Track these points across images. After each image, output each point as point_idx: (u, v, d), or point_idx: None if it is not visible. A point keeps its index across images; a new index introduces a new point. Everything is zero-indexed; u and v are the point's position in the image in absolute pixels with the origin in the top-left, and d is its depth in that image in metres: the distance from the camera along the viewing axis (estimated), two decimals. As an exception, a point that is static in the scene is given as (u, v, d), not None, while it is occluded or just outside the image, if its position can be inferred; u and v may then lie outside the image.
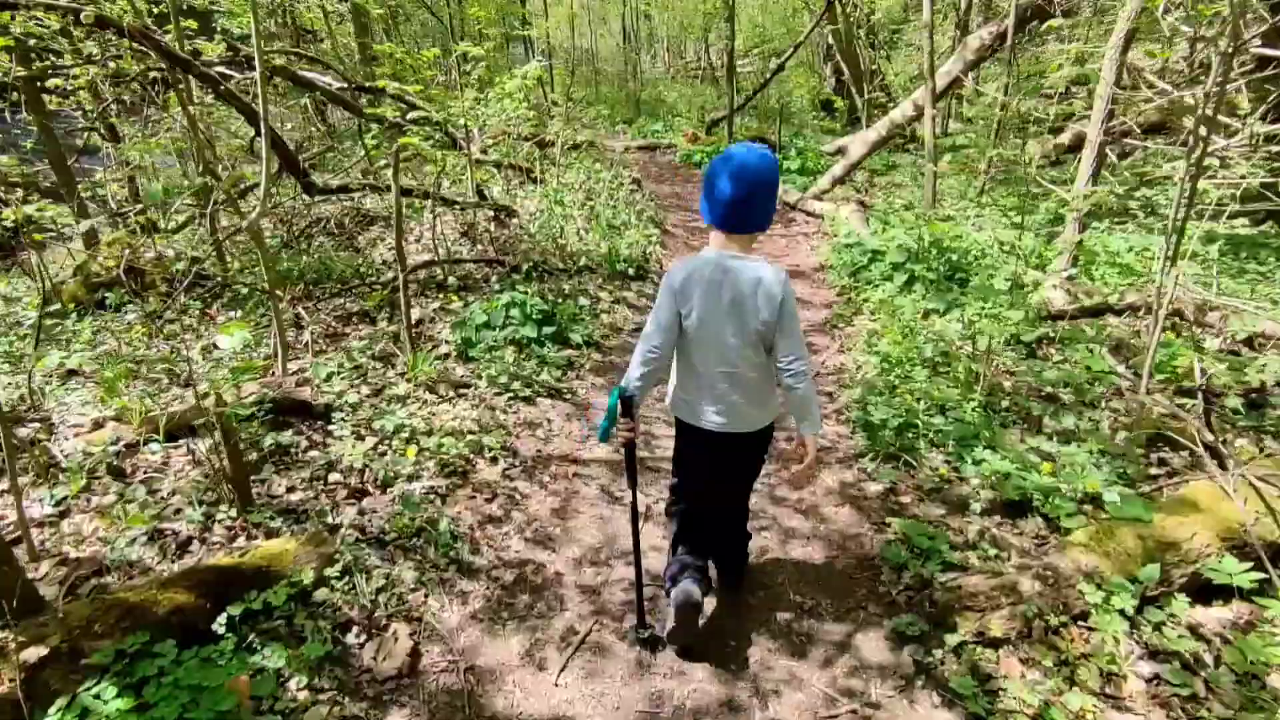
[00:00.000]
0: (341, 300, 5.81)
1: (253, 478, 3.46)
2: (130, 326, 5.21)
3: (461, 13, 16.58)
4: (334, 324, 5.39)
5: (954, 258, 6.51)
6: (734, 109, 14.78)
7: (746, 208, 2.30)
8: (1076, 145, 13.70)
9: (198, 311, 5.55)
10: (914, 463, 3.92)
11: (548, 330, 5.16)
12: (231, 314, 5.64)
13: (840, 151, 10.69)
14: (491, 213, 7.86)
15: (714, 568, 2.99)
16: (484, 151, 9.57)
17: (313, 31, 14.46)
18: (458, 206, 7.46)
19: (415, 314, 5.59)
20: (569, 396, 4.76)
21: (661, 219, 9.23)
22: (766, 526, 3.58)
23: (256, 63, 3.87)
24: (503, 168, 9.30)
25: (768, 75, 15.97)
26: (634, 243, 7.30)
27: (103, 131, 6.47)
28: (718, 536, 2.91)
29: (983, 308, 5.75)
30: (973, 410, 4.18)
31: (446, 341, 5.13)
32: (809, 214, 9.90)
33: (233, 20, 9.96)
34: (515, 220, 7.85)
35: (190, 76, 4.99)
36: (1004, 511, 3.53)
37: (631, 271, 6.72)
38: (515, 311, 5.13)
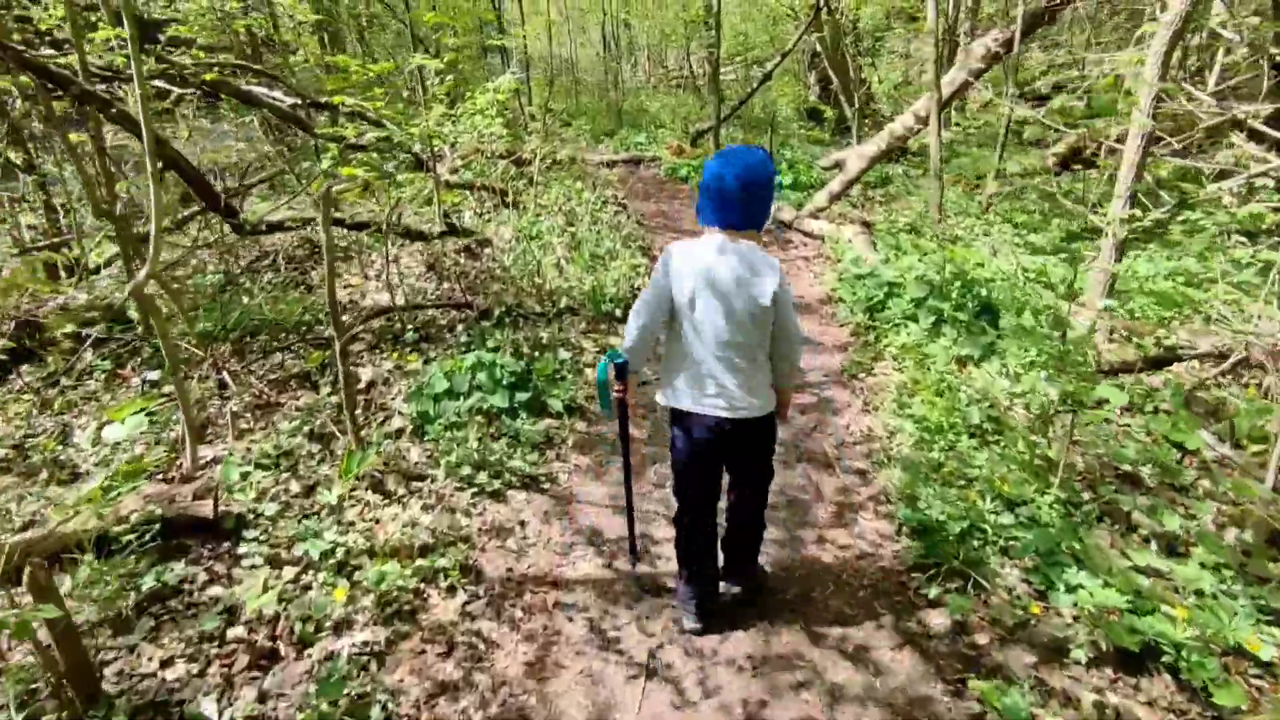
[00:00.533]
0: (281, 357, 4.87)
1: (115, 645, 2.53)
2: (14, 396, 4.24)
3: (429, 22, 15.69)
4: (267, 391, 4.44)
5: (982, 292, 5.67)
6: (720, 119, 13.94)
7: (747, 205, 2.29)
8: (1074, 155, 13.00)
9: (103, 375, 4.58)
10: (985, 583, 3.05)
11: (521, 397, 4.24)
12: (149, 375, 4.67)
13: (837, 166, 9.89)
14: (461, 243, 6.93)
15: (722, 557, 2.95)
16: (454, 172, 8.64)
17: (272, 42, 13.47)
18: (424, 239, 6.54)
19: (366, 375, 4.66)
20: (547, 486, 3.82)
21: (649, 243, 8.34)
22: (806, 683, 2.69)
23: (134, 72, 2.93)
24: (475, 190, 8.37)
25: (754, 84, 15.15)
26: (620, 277, 6.40)
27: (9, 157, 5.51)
28: (729, 529, 2.89)
29: (1026, 357, 4.92)
30: (1049, 507, 3.32)
31: (400, 413, 4.20)
32: (807, 234, 9.04)
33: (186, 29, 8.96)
34: (489, 250, 6.93)
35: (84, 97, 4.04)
36: (1117, 663, 2.66)
37: (619, 312, 5.80)
38: (482, 375, 4.21)
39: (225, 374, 4.33)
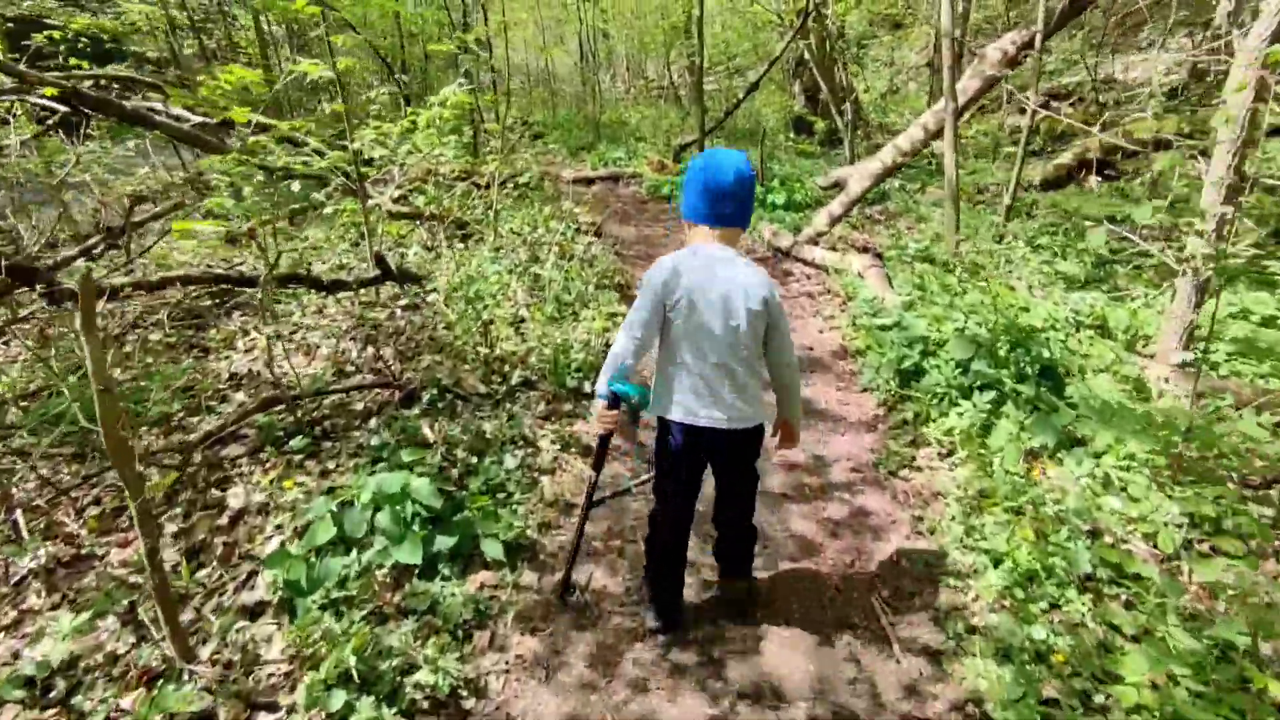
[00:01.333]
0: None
1: None
2: None
3: (397, 29, 14.36)
4: (82, 534, 3.09)
5: (1044, 352, 4.40)
6: (704, 132, 12.67)
7: (736, 200, 2.23)
8: (1081, 167, 11.84)
9: None
10: None
11: (444, 542, 2.90)
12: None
13: (837, 185, 8.67)
14: (399, 290, 5.59)
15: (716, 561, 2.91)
16: (400, 200, 7.29)
17: (213, 56, 12.04)
18: (343, 288, 5.18)
19: (236, 500, 3.31)
20: (472, 706, 2.51)
21: (629, 278, 7.03)
22: None
23: None
24: (425, 220, 7.04)
25: (740, 95, 13.87)
26: (593, 334, 5.08)
27: None
28: (721, 535, 2.81)
29: (1121, 446, 3.64)
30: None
31: (264, 578, 2.86)
32: (808, 264, 7.77)
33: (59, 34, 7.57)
34: (435, 294, 5.60)
35: None
36: None
37: (589, 385, 4.49)
38: (385, 516, 2.88)
39: (19, 514, 2.96)
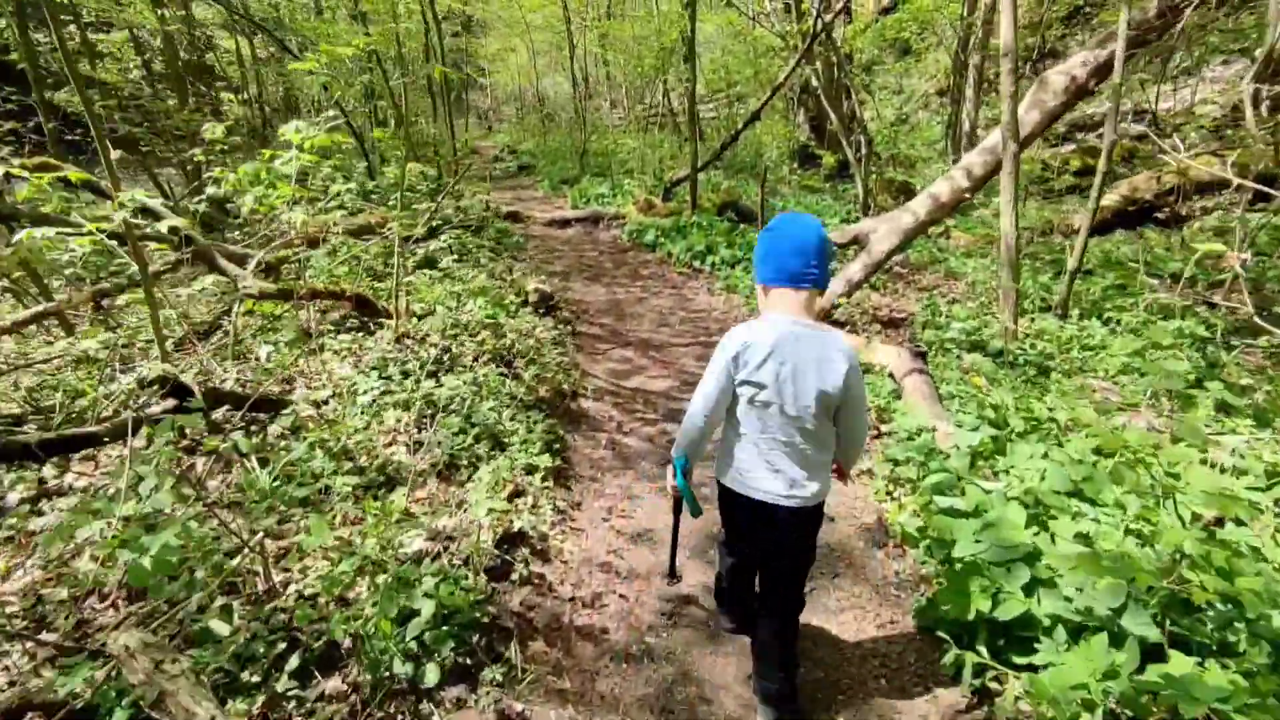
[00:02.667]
0: None
1: None
2: None
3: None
4: None
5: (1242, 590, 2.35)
6: (697, 167, 10.67)
7: (815, 256, 1.99)
8: (1131, 209, 9.80)
9: None
10: None
11: None
12: None
13: (856, 243, 6.66)
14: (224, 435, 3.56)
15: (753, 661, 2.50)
16: (268, 271, 5.28)
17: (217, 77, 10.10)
18: (100, 439, 3.15)
19: None
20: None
21: (577, 382, 4.99)
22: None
23: None
24: (299, 300, 5.03)
25: (739, 125, 11.85)
26: (477, 531, 3.01)
27: None
28: (761, 625, 2.43)
29: None
30: None
31: None
32: (820, 351, 5.76)
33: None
34: (288, 419, 3.59)
35: None
36: None
37: (431, 677, 2.39)
38: None
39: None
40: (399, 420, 3.76)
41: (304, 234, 5.40)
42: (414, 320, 5.04)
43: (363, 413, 3.72)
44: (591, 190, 12.53)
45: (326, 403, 3.91)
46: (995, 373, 4.87)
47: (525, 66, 22.74)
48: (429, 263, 6.50)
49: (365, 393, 3.88)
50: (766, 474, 2.11)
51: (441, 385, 4.06)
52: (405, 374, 4.24)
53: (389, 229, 5.83)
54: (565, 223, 10.79)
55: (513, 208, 11.16)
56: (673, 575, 2.72)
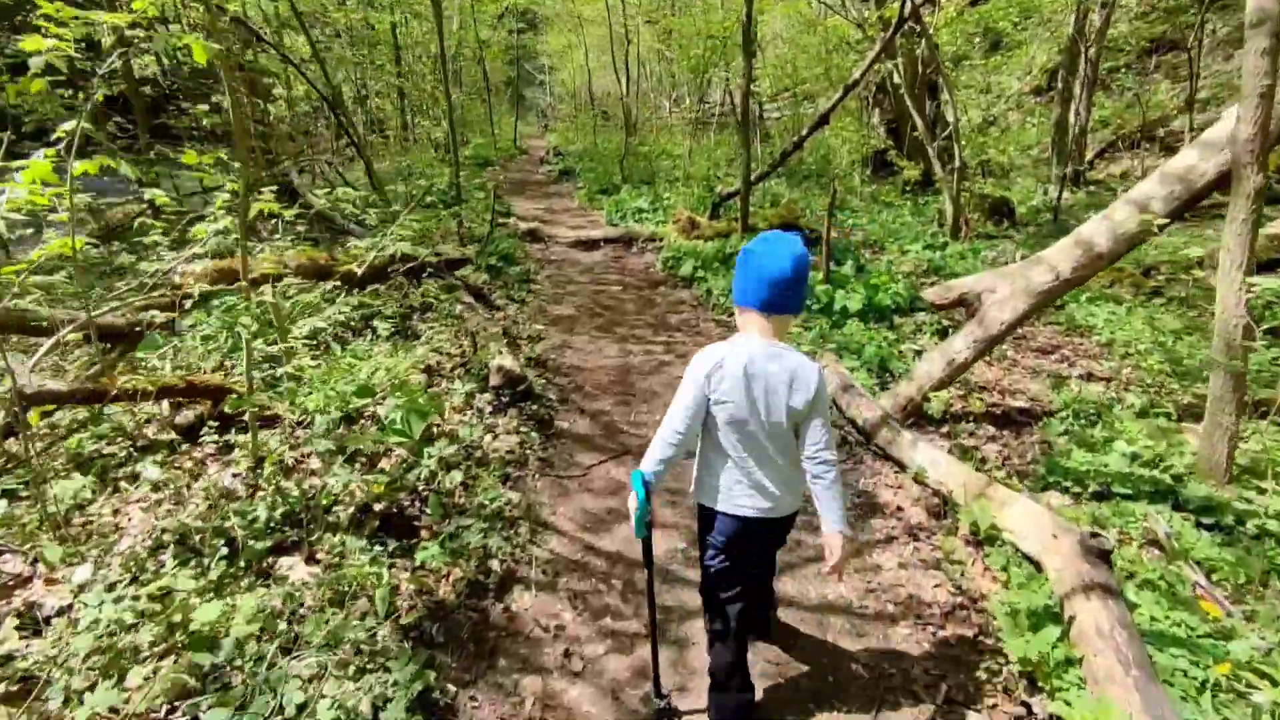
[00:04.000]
0: None
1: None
2: None
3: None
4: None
5: None
6: (750, 180, 8.60)
7: (791, 287, 1.97)
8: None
9: None
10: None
11: None
12: None
13: (963, 304, 4.50)
14: None
15: None
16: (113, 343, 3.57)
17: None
18: None
19: None
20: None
21: (534, 557, 3.13)
22: None
23: None
24: (127, 398, 3.30)
25: (804, 129, 9.62)
26: None
27: None
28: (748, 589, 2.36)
29: None
30: None
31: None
32: (920, 482, 3.68)
33: None
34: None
35: None
36: None
37: None
38: None
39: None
40: (145, 685, 1.97)
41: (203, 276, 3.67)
42: (286, 433, 3.25)
43: (85, 662, 1.95)
44: (630, 203, 10.62)
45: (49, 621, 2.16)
46: (1230, 563, 2.76)
47: (584, 64, 20.91)
48: (367, 323, 4.74)
49: (93, 624, 2.10)
50: (747, 492, 2.09)
51: (253, 591, 2.23)
52: (210, 559, 2.45)
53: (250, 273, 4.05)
54: (592, 244, 8.92)
55: (534, 224, 9.35)
56: (658, 695, 2.31)
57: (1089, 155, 13.12)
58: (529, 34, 29.82)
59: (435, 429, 3.57)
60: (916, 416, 4.37)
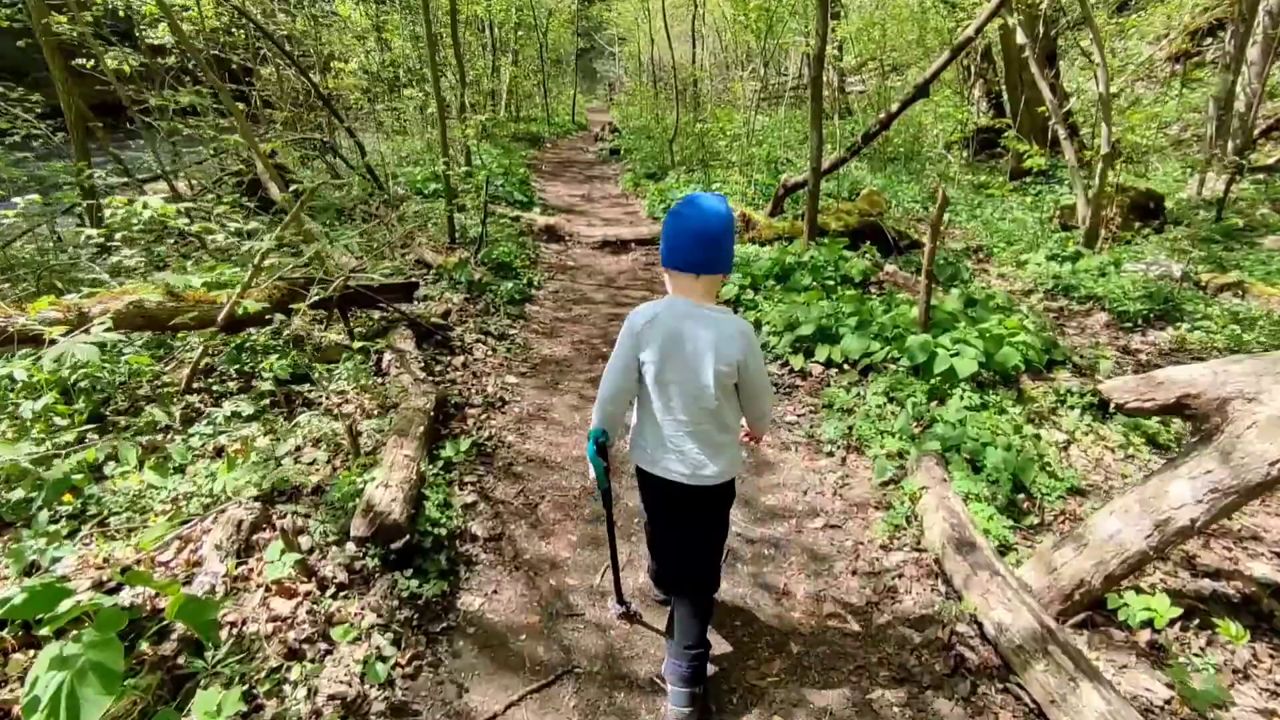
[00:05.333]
0: None
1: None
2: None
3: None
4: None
5: None
6: (820, 170, 6.53)
7: (716, 245, 1.89)
8: None
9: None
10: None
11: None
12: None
13: (1183, 411, 2.62)
14: None
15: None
16: None
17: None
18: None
19: None
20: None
21: None
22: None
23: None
24: None
25: (894, 104, 7.34)
26: None
27: None
28: (677, 601, 2.21)
29: None
30: None
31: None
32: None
33: None
34: None
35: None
36: None
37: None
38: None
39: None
40: None
41: None
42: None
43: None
44: (676, 191, 8.69)
45: None
46: None
47: (658, 33, 18.79)
48: (250, 381, 3.11)
49: None
50: (670, 455, 2.01)
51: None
52: None
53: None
54: (621, 245, 7.10)
55: (555, 220, 7.58)
56: (621, 603, 2.42)
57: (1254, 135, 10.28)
58: (600, 2, 27.80)
59: (222, 624, 1.92)
60: (1092, 611, 2.43)
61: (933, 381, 3.87)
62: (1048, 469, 3.21)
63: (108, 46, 6.28)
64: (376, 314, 4.16)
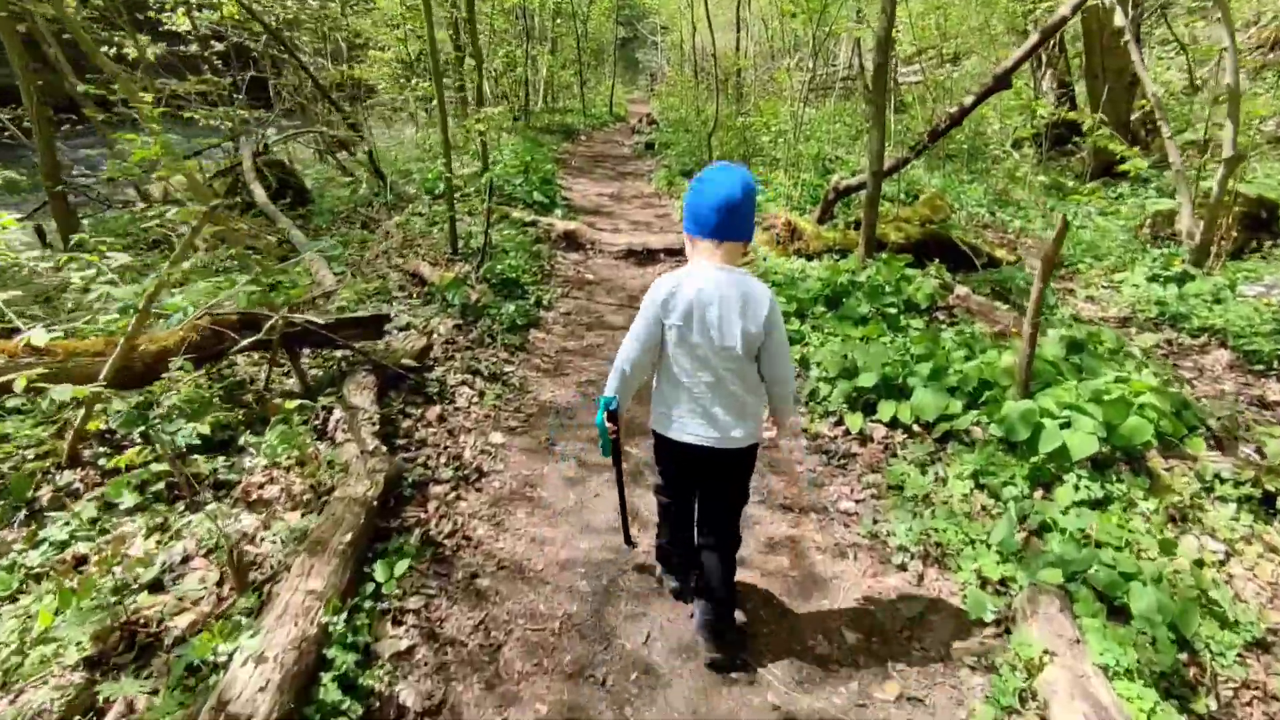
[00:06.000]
0: None
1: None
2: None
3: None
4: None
5: None
6: (882, 172, 5.52)
7: (741, 214, 1.90)
8: None
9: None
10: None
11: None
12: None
13: None
14: None
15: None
16: None
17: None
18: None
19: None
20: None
21: None
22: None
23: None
24: None
25: (966, 99, 6.21)
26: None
27: None
28: (700, 543, 2.22)
29: None
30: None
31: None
32: None
33: None
34: None
35: None
36: None
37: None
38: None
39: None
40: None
41: None
42: None
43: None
44: (713, 193, 7.73)
45: None
46: None
47: (700, 20, 17.73)
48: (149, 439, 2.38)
49: None
50: (697, 419, 1.99)
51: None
52: None
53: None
54: (648, 254, 6.22)
55: (577, 225, 6.73)
56: (628, 542, 2.48)
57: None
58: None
59: None
60: None
61: (1034, 459, 2.92)
62: (1216, 610, 2.26)
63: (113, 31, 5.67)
64: (340, 352, 3.38)
